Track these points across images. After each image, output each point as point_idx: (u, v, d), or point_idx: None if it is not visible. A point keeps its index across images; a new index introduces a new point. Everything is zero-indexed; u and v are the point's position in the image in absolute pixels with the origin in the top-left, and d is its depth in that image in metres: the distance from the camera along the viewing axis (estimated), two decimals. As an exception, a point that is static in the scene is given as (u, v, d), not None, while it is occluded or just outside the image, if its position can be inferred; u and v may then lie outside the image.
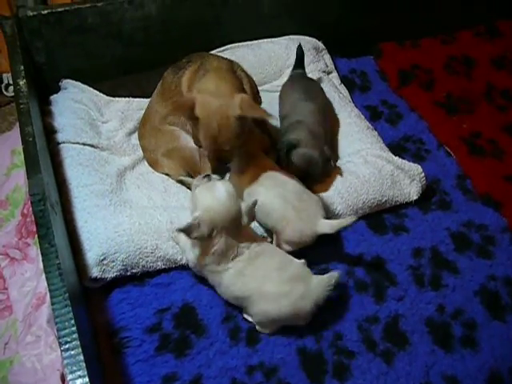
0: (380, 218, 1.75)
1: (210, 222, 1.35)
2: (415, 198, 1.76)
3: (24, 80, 1.56)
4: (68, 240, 1.49)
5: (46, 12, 1.83)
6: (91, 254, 1.48)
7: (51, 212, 1.31)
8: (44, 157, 1.57)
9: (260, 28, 2.12)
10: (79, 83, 1.96)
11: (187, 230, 1.34)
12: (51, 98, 1.92)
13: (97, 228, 1.53)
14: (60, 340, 1.09)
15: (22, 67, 1.59)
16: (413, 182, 1.76)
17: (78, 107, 1.87)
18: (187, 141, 1.69)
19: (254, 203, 1.40)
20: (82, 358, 1.06)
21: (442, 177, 1.89)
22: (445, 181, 1.88)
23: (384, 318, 1.51)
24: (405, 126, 2.06)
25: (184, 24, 1.99)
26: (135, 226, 1.54)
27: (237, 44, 2.10)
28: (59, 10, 1.83)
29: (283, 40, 2.15)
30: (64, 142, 1.74)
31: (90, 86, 1.97)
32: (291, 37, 2.16)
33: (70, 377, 1.03)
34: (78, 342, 1.08)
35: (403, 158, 1.81)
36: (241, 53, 2.06)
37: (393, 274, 1.61)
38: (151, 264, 1.54)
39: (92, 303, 1.52)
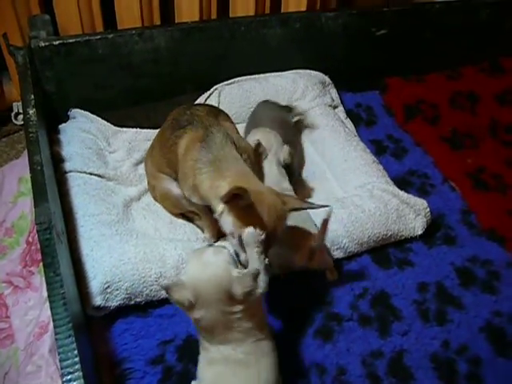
0: (385, 252, 1.74)
1: (193, 291, 1.20)
2: (420, 232, 1.76)
3: (34, 109, 1.58)
4: (73, 269, 1.49)
5: (57, 43, 1.86)
6: (95, 282, 1.48)
7: (57, 241, 1.31)
8: (51, 185, 1.58)
9: (267, 62, 2.15)
10: (88, 113, 1.98)
11: (168, 289, 1.21)
12: (60, 127, 1.94)
13: (102, 256, 1.52)
14: (62, 371, 1.08)
15: (32, 96, 1.61)
16: (418, 217, 1.75)
17: (85, 137, 1.89)
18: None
19: (252, 272, 1.22)
20: (83, 390, 1.05)
21: (446, 211, 1.88)
22: (449, 215, 1.87)
23: (388, 353, 1.49)
24: (410, 160, 2.06)
25: (192, 56, 2.02)
26: (140, 254, 1.54)
27: (244, 77, 2.12)
28: (70, 40, 1.87)
29: (290, 74, 2.17)
30: (71, 171, 1.75)
31: (98, 115, 1.99)
32: (298, 71, 2.19)
33: (70, 408, 1.03)
34: (81, 373, 1.07)
35: (408, 193, 1.81)
36: (248, 86, 2.09)
37: (397, 309, 1.60)
38: (155, 293, 1.53)
39: (95, 333, 1.50)
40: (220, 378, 1.27)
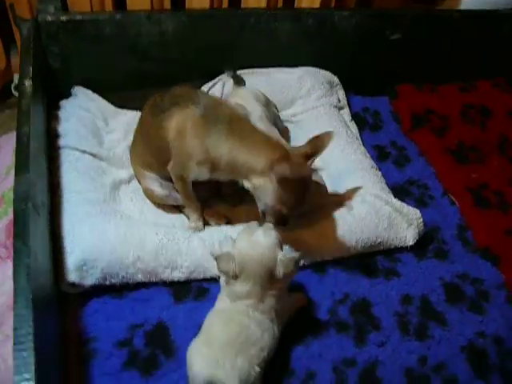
0: (372, 259, 1.70)
1: (240, 264, 1.31)
2: (411, 243, 1.71)
3: (30, 81, 1.57)
4: (50, 243, 1.48)
5: (64, 19, 1.85)
6: (72, 259, 1.47)
7: (33, 213, 1.30)
8: (39, 158, 1.58)
9: (275, 56, 2.11)
10: (90, 91, 1.98)
11: (217, 258, 1.32)
12: (60, 103, 1.93)
13: (82, 233, 1.52)
14: (15, 340, 1.06)
15: (31, 68, 1.61)
16: (410, 227, 1.70)
17: (84, 115, 1.88)
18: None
19: (296, 258, 1.34)
20: (32, 360, 1.03)
21: (442, 225, 1.83)
22: (445, 229, 1.82)
23: (362, 363, 1.45)
24: (411, 169, 2.01)
25: (200, 44, 1.99)
26: (120, 235, 1.52)
27: (250, 70, 2.09)
28: (78, 18, 1.87)
29: (298, 70, 2.13)
30: (65, 147, 1.75)
31: (100, 95, 1.99)
32: (306, 68, 2.15)
33: (15, 378, 1.01)
34: (32, 345, 1.05)
35: (406, 202, 1.76)
36: (254, 80, 2.06)
37: (377, 319, 1.55)
38: (131, 276, 1.51)
39: (68, 310, 1.49)
40: (224, 327, 1.33)
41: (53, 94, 1.94)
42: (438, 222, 1.84)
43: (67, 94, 1.99)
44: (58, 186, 1.65)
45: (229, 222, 1.70)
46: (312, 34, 2.08)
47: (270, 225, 1.39)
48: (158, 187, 1.66)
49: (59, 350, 1.36)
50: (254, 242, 1.33)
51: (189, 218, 1.67)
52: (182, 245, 1.56)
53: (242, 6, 2.11)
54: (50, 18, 1.84)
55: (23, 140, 1.42)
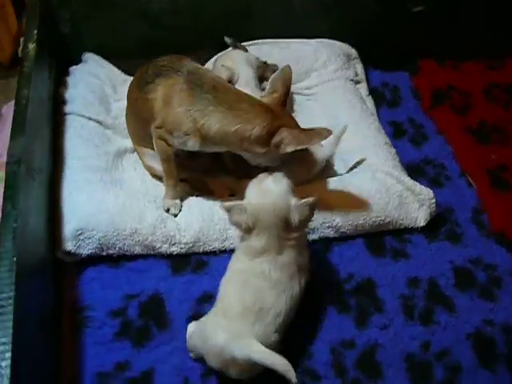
0: (380, 239, 1.63)
1: (253, 215, 1.25)
2: (422, 224, 1.63)
3: (34, 44, 1.55)
4: (48, 209, 1.46)
5: (74, -17, 1.82)
6: (68, 227, 1.45)
7: (26, 176, 1.28)
8: (41, 123, 1.56)
9: (291, 26, 2.03)
10: (100, 58, 1.94)
11: (230, 209, 1.26)
12: (70, 69, 1.90)
13: (80, 202, 1.49)
14: (-4, 303, 1.05)
15: (36, 32, 1.58)
16: (422, 207, 1.63)
17: (92, 81, 1.85)
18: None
19: (310, 202, 1.26)
20: (10, 325, 1.01)
21: (457, 207, 1.75)
22: (459, 212, 1.74)
23: (361, 345, 1.40)
24: (428, 148, 1.93)
25: (213, 12, 1.94)
26: (119, 206, 1.50)
27: (265, 40, 2.02)
28: (88, -18, 1.83)
29: (313, 42, 2.06)
30: (70, 113, 1.72)
31: (111, 62, 1.95)
32: (322, 40, 2.07)
33: (-9, 340, 0.99)
34: (12, 309, 1.03)
35: (420, 182, 1.68)
36: (267, 50, 2.00)
37: (381, 301, 1.50)
38: (128, 248, 1.49)
39: (65, 278, 1.48)
40: (243, 287, 1.27)
41: (64, 61, 1.92)
42: (452, 204, 1.75)
43: (78, 61, 1.97)
44: (61, 153, 1.62)
45: (233, 194, 1.65)
46: (329, 3, 1.99)
47: (280, 173, 1.33)
48: (157, 164, 1.60)
49: (50, 316, 1.35)
50: (264, 190, 1.28)
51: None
52: (181, 219, 1.53)
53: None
54: (60, -18, 1.81)
55: (21, 103, 1.39)
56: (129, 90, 1.65)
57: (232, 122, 1.38)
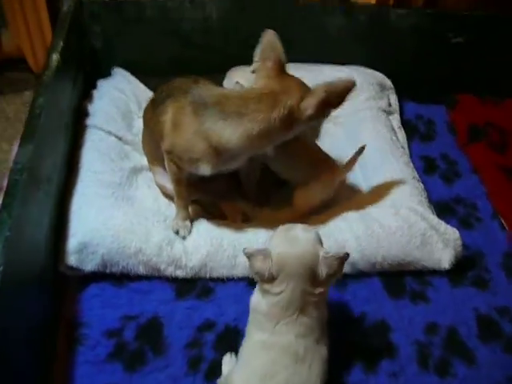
0: (400, 279, 1.53)
1: (278, 263, 1.14)
2: (446, 266, 1.52)
3: (58, 55, 1.54)
4: (53, 220, 1.43)
5: (107, -2, 1.83)
6: (73, 240, 1.41)
7: (29, 186, 1.25)
8: (57, 133, 1.54)
9: (325, 52, 1.98)
10: (128, 73, 1.94)
11: (251, 255, 1.15)
12: (98, 82, 1.90)
13: (88, 216, 1.45)
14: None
15: (61, 43, 1.58)
16: (446, 248, 1.52)
17: (118, 96, 1.84)
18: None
19: (341, 256, 1.16)
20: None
21: (487, 251, 1.63)
22: (489, 256, 1.62)
23: (367, 392, 1.30)
24: (461, 186, 1.82)
25: (244, 33, 1.88)
26: (126, 223, 1.45)
27: (297, 64, 1.96)
28: (120, -2, 1.83)
29: (346, 69, 1.99)
30: (90, 126, 1.71)
31: (141, 79, 1.95)
32: (356, 67, 2.00)
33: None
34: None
35: (448, 222, 1.58)
36: (299, 74, 1.92)
37: (394, 345, 1.39)
38: (132, 267, 1.43)
39: (67, 292, 1.44)
40: (271, 366, 1.15)
41: (94, 74, 1.92)
42: (482, 247, 1.64)
43: (108, 75, 1.97)
44: (76, 165, 1.60)
45: (246, 220, 1.59)
46: (365, 31, 1.94)
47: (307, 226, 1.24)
48: (168, 183, 1.55)
49: (42, 330, 1.31)
50: (292, 237, 1.17)
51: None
52: (189, 242, 1.47)
53: (293, -4, 1.99)
54: (93, -3, 1.82)
55: (35, 112, 1.37)
56: (145, 109, 1.63)
57: (250, 126, 1.31)
